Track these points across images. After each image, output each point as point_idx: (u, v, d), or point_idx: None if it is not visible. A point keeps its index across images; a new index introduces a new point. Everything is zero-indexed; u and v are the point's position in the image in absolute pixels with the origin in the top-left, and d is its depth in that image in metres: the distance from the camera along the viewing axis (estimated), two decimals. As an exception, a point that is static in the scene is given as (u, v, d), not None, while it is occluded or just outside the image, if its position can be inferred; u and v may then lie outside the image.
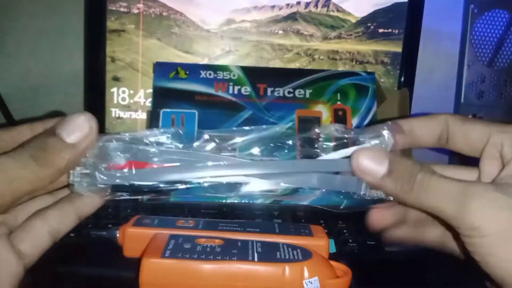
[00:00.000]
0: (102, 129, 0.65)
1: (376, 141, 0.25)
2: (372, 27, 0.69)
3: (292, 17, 0.68)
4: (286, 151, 0.27)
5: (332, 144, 0.27)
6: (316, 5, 0.69)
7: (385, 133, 0.25)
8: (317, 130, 0.27)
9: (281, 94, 0.59)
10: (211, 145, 0.27)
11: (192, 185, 0.27)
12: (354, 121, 0.58)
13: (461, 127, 0.27)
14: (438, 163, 0.28)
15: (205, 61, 0.68)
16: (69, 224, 0.25)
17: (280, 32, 0.69)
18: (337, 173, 0.27)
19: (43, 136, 0.23)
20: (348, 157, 0.25)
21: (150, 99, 0.65)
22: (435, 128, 0.27)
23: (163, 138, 0.26)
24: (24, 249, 0.23)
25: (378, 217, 0.28)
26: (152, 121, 0.56)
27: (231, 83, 0.58)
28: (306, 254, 0.34)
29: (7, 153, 0.22)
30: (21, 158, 0.21)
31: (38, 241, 0.24)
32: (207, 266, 0.31)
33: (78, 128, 0.23)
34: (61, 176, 0.23)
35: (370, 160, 0.24)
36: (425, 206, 0.24)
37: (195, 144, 0.26)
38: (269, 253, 0.33)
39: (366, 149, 0.25)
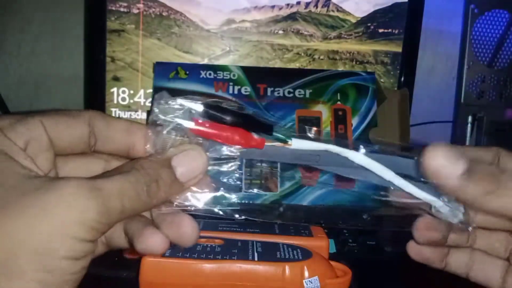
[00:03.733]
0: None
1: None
2: (372, 27, 0.69)
3: (292, 17, 0.68)
4: None
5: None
6: (316, 5, 0.69)
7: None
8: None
9: (281, 94, 0.59)
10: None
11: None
12: (354, 121, 0.58)
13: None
14: None
15: (205, 61, 0.68)
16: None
17: (280, 32, 0.69)
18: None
19: (158, 164, 0.22)
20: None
21: (150, 99, 0.65)
22: (488, 156, 0.26)
23: None
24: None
25: (428, 228, 0.25)
26: (152, 121, 0.56)
27: (231, 83, 0.58)
28: (306, 254, 0.34)
29: (124, 175, 0.21)
30: (138, 187, 0.20)
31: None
32: (208, 266, 0.31)
33: (193, 168, 0.22)
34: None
35: (444, 158, 0.21)
36: (510, 210, 0.22)
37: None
38: (269, 253, 0.33)
39: (441, 144, 0.22)
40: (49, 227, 0.18)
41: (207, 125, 0.23)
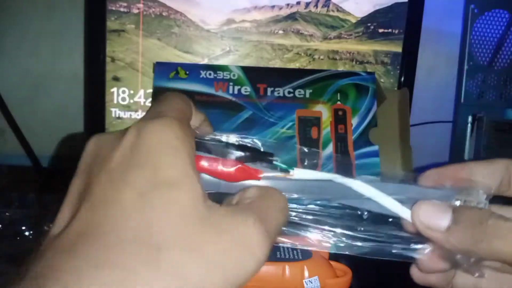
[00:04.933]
0: (102, 129, 0.65)
1: (469, 198, 0.24)
2: (372, 27, 0.69)
3: (292, 17, 0.68)
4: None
5: None
6: (316, 5, 0.69)
7: (479, 191, 0.24)
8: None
9: (281, 94, 0.59)
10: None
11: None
12: (354, 121, 0.58)
13: None
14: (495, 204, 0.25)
15: (205, 61, 0.68)
16: None
17: (280, 32, 0.69)
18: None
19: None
20: None
21: (150, 99, 0.65)
22: (496, 173, 0.25)
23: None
24: None
25: (437, 258, 0.25)
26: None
27: (231, 83, 0.58)
28: (306, 254, 0.34)
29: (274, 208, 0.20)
30: (284, 218, 0.21)
31: None
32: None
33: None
34: None
35: (431, 213, 0.23)
36: (503, 256, 0.21)
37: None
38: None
39: (425, 202, 0.23)
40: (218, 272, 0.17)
41: (204, 162, 0.22)
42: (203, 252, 0.17)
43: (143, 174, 0.18)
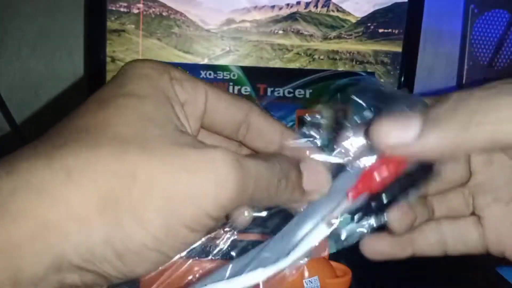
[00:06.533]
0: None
1: None
2: (372, 27, 0.69)
3: (292, 17, 0.68)
4: None
5: None
6: (316, 5, 0.69)
7: None
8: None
9: (281, 94, 0.59)
10: None
11: None
12: (354, 121, 0.58)
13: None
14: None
15: (205, 61, 0.68)
16: None
17: (280, 32, 0.69)
18: None
19: (289, 163, 0.21)
20: None
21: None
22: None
23: None
24: None
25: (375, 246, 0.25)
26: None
27: (231, 83, 0.58)
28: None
29: (263, 161, 0.19)
30: (271, 177, 0.19)
31: None
32: (208, 266, 0.31)
33: (318, 180, 0.22)
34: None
35: (391, 131, 0.19)
36: (490, 141, 0.17)
37: None
38: (269, 253, 0.33)
39: (383, 119, 0.19)
40: (186, 185, 0.17)
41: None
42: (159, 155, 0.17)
43: (108, 87, 0.21)
